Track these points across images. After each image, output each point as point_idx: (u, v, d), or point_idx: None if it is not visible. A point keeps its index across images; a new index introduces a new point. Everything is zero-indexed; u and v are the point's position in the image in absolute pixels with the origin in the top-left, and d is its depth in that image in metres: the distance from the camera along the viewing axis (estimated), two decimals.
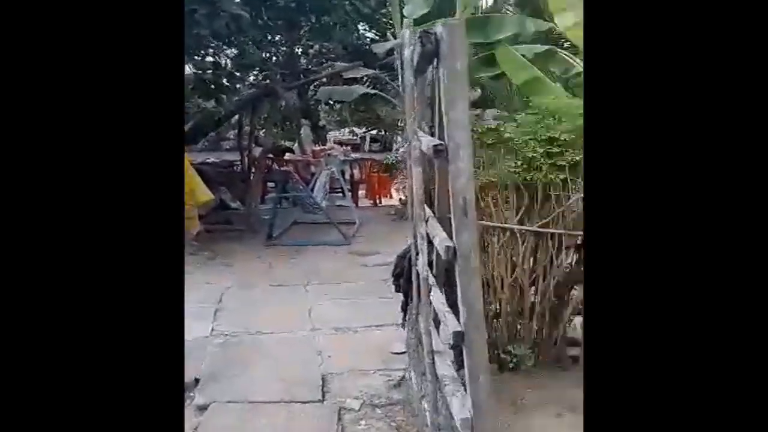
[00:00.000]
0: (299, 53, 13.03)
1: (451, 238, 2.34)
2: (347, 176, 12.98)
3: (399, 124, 12.91)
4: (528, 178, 3.93)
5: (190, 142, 10.87)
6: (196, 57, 9.46)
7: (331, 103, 13.36)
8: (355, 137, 15.00)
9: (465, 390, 2.49)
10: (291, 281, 7.01)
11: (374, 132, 14.49)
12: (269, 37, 11.91)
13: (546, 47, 5.51)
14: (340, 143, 14.59)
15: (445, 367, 2.86)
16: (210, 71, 9.66)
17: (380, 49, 8.26)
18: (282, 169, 11.63)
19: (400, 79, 3.76)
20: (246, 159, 11.61)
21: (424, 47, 2.26)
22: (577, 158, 3.90)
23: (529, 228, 4.01)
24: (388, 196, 13.04)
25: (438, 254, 2.75)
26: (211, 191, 4.92)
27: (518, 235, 4.03)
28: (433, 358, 2.86)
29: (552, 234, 3.99)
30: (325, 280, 7.00)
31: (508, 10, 7.69)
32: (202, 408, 3.92)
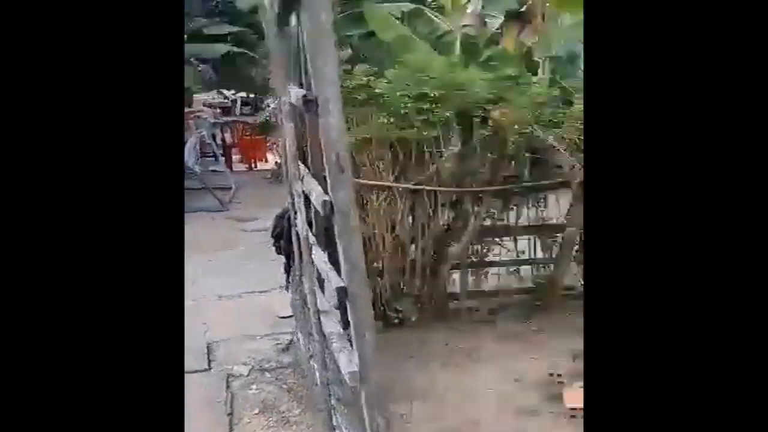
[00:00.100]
0: None
1: (327, 194, 2.32)
2: (219, 140, 12.45)
3: (270, 86, 12.53)
4: (401, 134, 4.00)
5: None
6: None
7: (196, 63, 12.65)
8: (225, 100, 14.37)
9: (352, 346, 2.53)
10: None
11: (244, 95, 13.95)
12: None
13: (413, 6, 5.57)
14: (210, 106, 13.92)
15: (331, 326, 2.88)
16: None
17: (244, 3, 7.90)
18: None
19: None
20: None
21: None
22: (448, 114, 4.03)
23: (406, 185, 4.10)
24: (264, 159, 12.69)
25: (317, 212, 2.73)
26: None
27: (396, 192, 4.12)
28: (319, 318, 2.87)
29: (428, 191, 4.11)
30: (205, 247, 6.78)
31: None
32: None
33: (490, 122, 4.16)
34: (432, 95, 3.98)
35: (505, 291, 4.91)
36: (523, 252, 4.91)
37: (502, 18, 6.30)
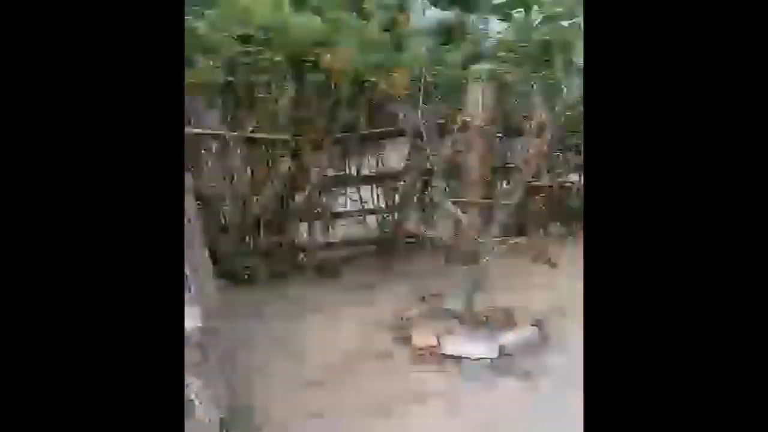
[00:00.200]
0: None
1: None
2: None
3: None
4: (229, 78, 3.71)
5: None
6: None
7: None
8: None
9: (196, 304, 2.34)
10: None
11: None
12: None
13: None
14: None
15: None
16: None
17: None
18: None
19: None
20: None
21: None
22: (277, 58, 3.80)
23: (241, 134, 3.84)
24: None
25: None
26: None
27: (230, 142, 3.83)
28: None
29: (266, 141, 3.88)
30: None
31: None
32: None
33: (321, 67, 4.02)
34: (259, 38, 3.72)
35: (352, 241, 4.87)
36: (367, 202, 4.89)
37: None
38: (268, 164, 3.95)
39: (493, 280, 4.32)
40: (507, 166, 5.12)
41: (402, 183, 4.81)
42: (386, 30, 4.74)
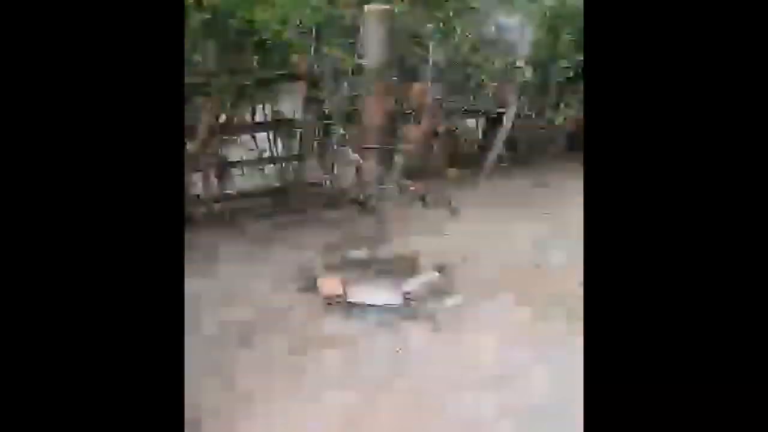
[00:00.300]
0: None
1: None
2: None
3: None
4: None
5: None
6: None
7: None
8: None
9: None
10: None
11: None
12: None
13: None
14: None
15: None
16: None
17: None
18: None
19: None
20: None
21: None
22: None
23: None
24: None
25: None
26: None
27: None
28: None
29: None
30: None
31: None
32: None
33: (204, 4, 3.72)
34: None
35: (250, 192, 4.69)
36: (265, 150, 4.70)
37: None
38: None
39: (396, 226, 4.34)
40: (405, 112, 5.08)
41: (300, 130, 4.65)
42: None
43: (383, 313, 3.35)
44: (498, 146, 5.58)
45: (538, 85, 5.45)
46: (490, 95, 5.67)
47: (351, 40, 4.46)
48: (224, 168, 4.52)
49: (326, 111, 4.54)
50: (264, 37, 4.09)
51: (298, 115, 4.68)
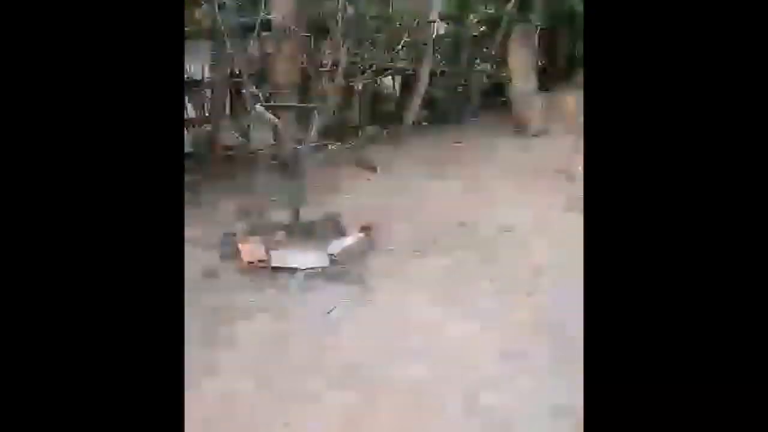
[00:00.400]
0: None
1: None
2: None
3: None
4: None
5: None
6: None
7: None
8: None
9: None
10: None
11: None
12: None
13: None
14: None
15: None
16: None
17: None
18: None
19: None
20: None
21: None
22: None
23: None
24: None
25: None
26: None
27: None
28: None
29: None
30: None
31: None
32: None
33: None
34: None
35: None
36: None
37: None
38: None
39: (317, 188, 4.25)
40: (319, 69, 4.94)
41: (209, 91, 4.42)
42: None
43: (309, 276, 3.28)
44: (415, 104, 5.57)
45: (452, 41, 5.45)
46: (405, 52, 5.62)
47: None
48: None
49: (236, 71, 4.33)
50: None
51: (207, 75, 4.44)
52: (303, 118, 4.63)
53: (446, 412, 2.17)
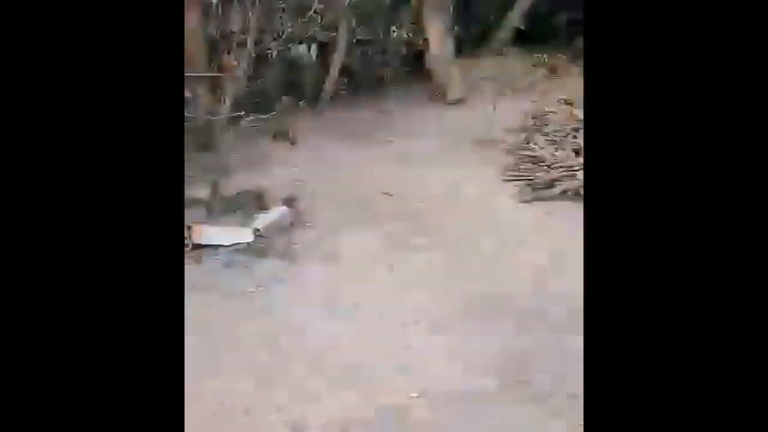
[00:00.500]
0: None
1: None
2: None
3: None
4: None
5: None
6: None
7: None
8: None
9: None
10: None
11: None
12: None
13: None
14: None
15: None
16: None
17: None
18: None
19: None
20: None
21: None
22: None
23: None
24: None
25: None
26: None
27: None
28: None
29: None
30: None
31: None
32: None
33: None
34: None
35: None
36: None
37: None
38: None
39: (237, 162, 4.09)
40: (222, 37, 4.71)
41: None
42: None
43: (233, 253, 3.17)
44: (334, 73, 5.45)
45: (367, 7, 5.36)
46: (319, 19, 5.47)
47: None
48: None
49: None
50: None
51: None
52: (215, 89, 4.43)
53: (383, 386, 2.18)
